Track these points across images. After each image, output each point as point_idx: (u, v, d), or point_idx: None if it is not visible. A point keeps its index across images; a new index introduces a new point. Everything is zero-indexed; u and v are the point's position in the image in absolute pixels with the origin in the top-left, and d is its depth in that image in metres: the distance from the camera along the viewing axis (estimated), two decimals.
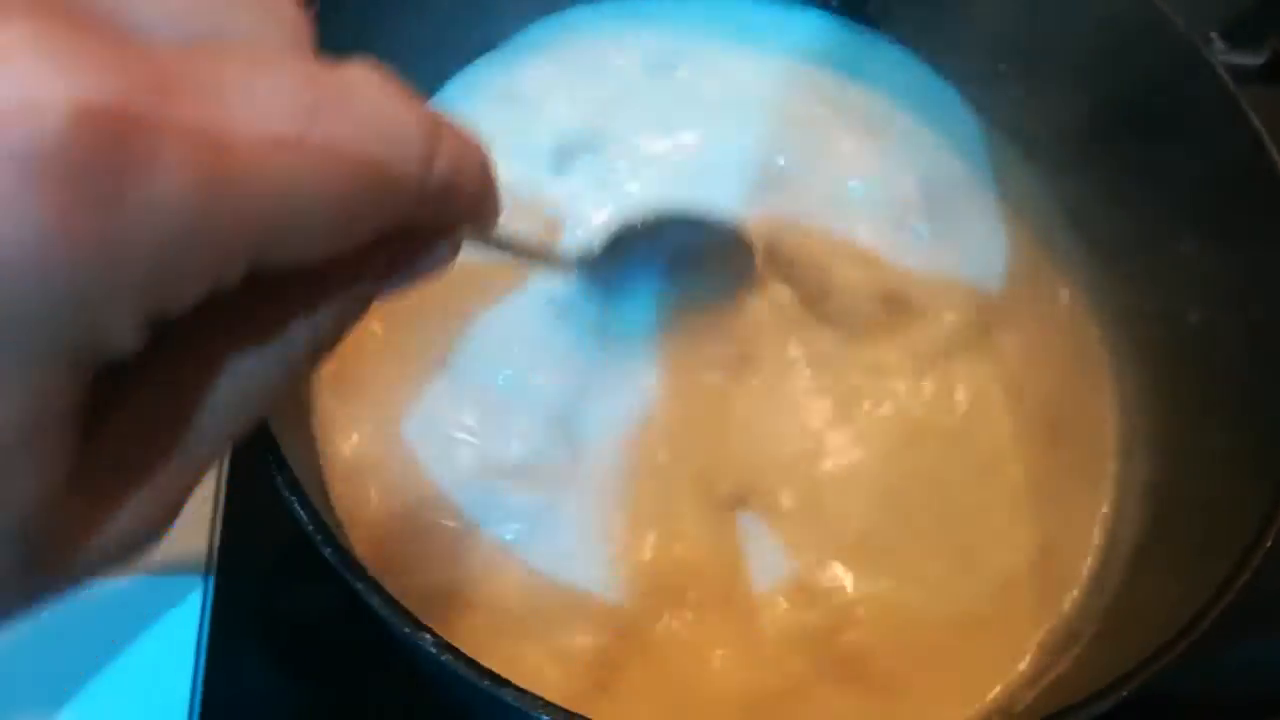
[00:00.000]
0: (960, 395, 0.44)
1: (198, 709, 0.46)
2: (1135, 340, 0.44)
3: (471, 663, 0.30)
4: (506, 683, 0.30)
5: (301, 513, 0.31)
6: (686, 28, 0.51)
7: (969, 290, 0.46)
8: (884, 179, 0.48)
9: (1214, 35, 0.55)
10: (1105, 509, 0.42)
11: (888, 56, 0.51)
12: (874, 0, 0.51)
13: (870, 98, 0.50)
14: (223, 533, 0.51)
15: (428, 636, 0.30)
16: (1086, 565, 0.41)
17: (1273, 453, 0.35)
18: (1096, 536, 0.42)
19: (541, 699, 0.29)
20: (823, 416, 0.43)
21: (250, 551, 0.50)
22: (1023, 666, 0.39)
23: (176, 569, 0.51)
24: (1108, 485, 0.43)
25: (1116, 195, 0.45)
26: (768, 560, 0.40)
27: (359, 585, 0.31)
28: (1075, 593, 0.41)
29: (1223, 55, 0.54)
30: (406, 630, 0.30)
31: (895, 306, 0.45)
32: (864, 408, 0.43)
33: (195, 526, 0.51)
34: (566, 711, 0.29)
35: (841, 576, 0.40)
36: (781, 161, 0.48)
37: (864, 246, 0.46)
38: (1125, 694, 0.30)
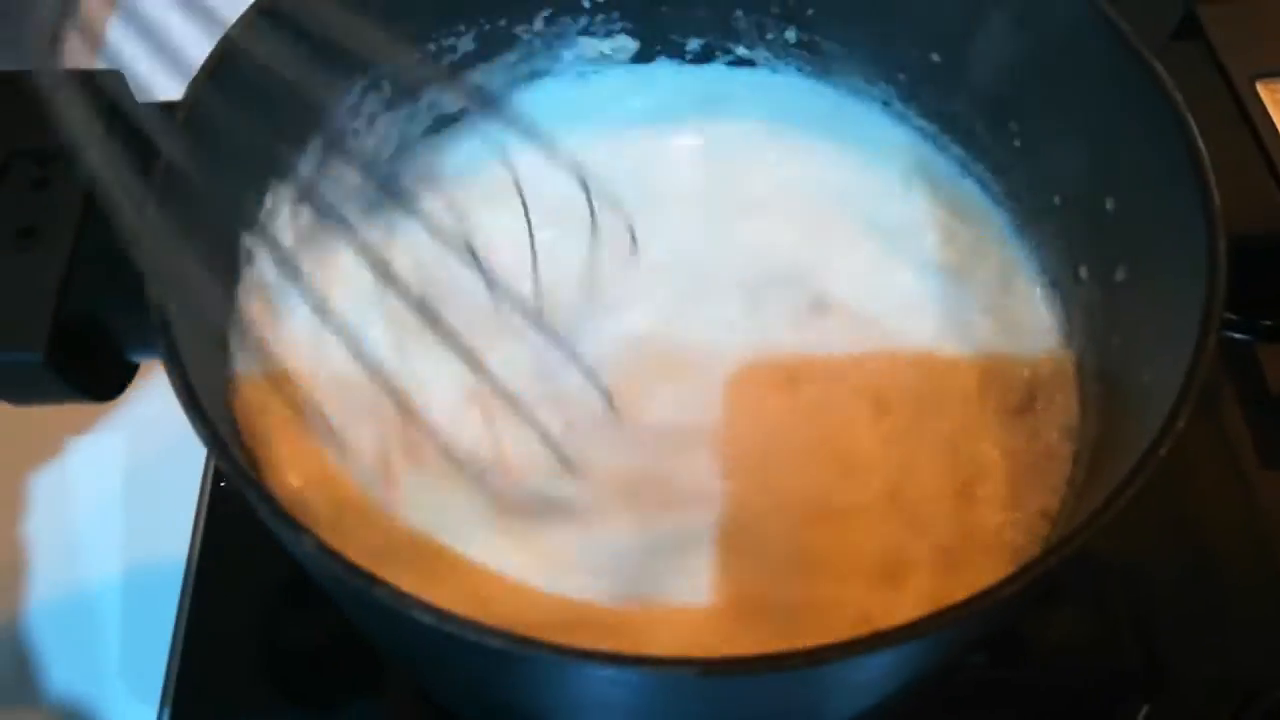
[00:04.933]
0: None
1: None
2: None
3: (346, 562, 0.30)
4: (382, 581, 0.29)
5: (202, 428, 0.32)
6: None
7: None
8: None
9: None
10: None
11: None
12: None
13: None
14: (201, 554, 0.52)
15: (307, 538, 0.30)
16: None
17: None
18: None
19: (414, 597, 0.29)
20: None
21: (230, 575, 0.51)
22: None
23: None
24: None
25: None
26: None
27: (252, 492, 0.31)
28: None
29: None
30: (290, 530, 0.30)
31: None
32: None
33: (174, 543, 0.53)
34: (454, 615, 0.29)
35: None
36: None
37: None
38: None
